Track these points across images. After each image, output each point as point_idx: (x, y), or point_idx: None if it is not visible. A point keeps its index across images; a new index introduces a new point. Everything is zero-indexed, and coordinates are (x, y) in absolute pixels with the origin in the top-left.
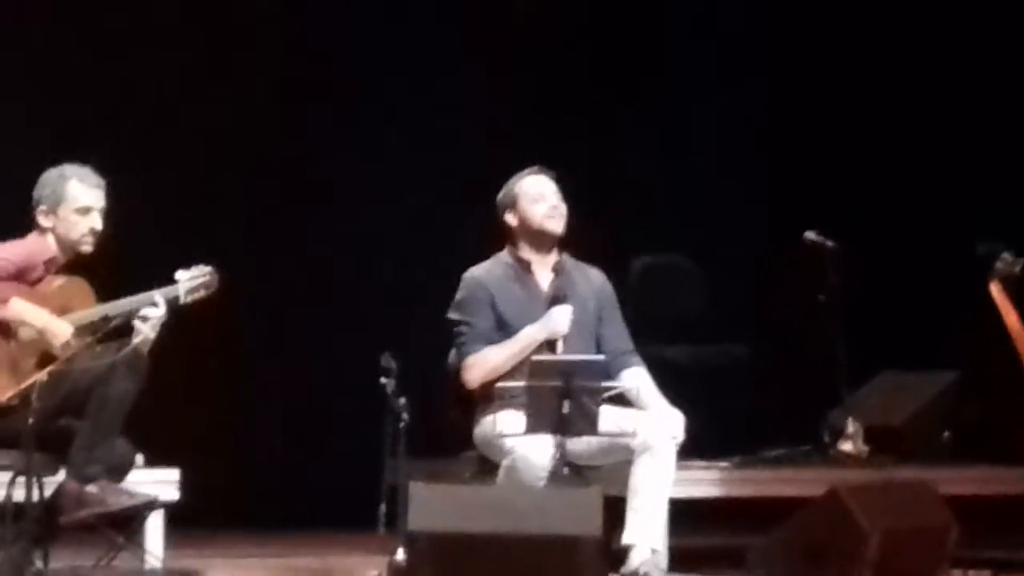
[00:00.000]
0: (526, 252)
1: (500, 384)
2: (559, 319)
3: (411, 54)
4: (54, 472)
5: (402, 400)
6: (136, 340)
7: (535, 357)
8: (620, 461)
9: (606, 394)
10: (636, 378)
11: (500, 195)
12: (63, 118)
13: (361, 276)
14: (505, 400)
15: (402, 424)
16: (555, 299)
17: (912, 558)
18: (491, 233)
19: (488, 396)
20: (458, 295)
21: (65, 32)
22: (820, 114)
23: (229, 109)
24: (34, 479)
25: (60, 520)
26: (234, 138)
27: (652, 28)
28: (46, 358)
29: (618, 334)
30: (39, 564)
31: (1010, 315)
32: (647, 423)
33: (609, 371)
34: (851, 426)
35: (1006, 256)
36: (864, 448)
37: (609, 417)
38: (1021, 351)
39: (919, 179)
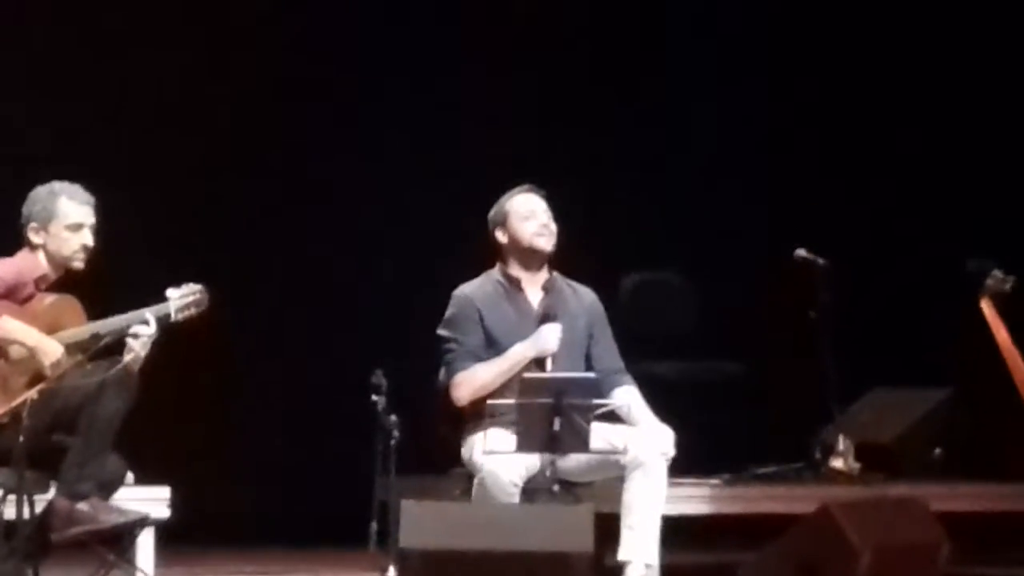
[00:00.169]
0: (516, 270)
1: (491, 401)
2: (548, 337)
3: (411, 54)
4: (45, 490)
5: (392, 417)
6: (127, 358)
7: (526, 375)
8: (611, 478)
9: (597, 411)
10: (627, 396)
11: (491, 213)
12: (63, 118)
13: (361, 277)
14: (495, 418)
15: (393, 441)
16: (544, 317)
17: (904, 575)
18: (485, 246)
19: (478, 413)
20: (448, 312)
21: (65, 32)
22: (820, 122)
23: (229, 109)
24: (25, 497)
25: (51, 537)
26: (234, 138)
27: (652, 28)
28: (36, 376)
29: (609, 352)
30: None
31: (1000, 332)
32: (638, 440)
33: (600, 389)
34: (842, 443)
35: (996, 273)
36: (855, 465)
37: (600, 434)
38: (1012, 368)
39: (910, 195)
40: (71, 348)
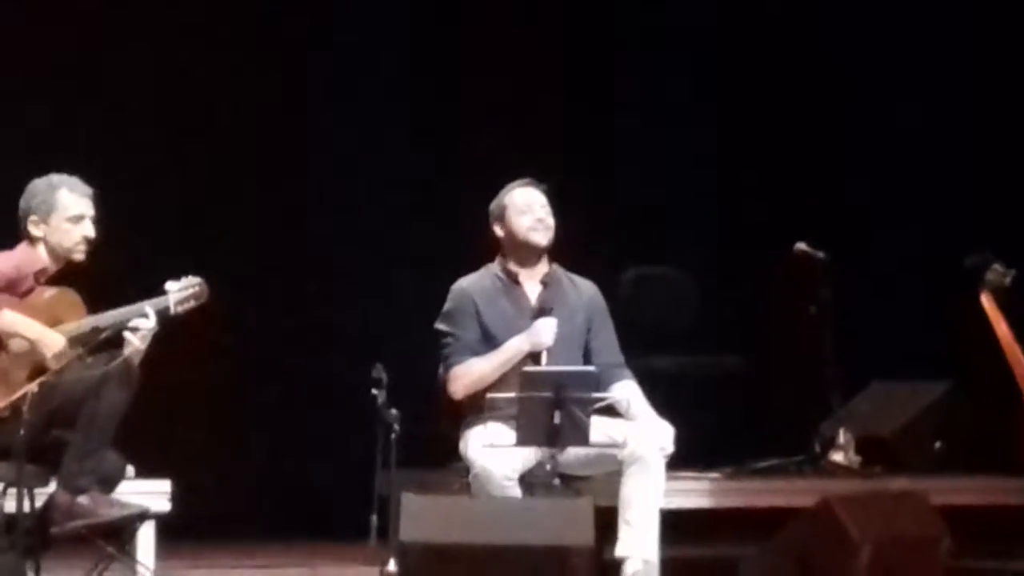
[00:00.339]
0: (513, 264)
1: (491, 395)
2: (543, 331)
3: (411, 54)
4: (45, 483)
5: (393, 411)
6: (127, 351)
7: (526, 368)
8: (610, 472)
9: (596, 405)
10: (626, 390)
11: (491, 206)
12: (63, 118)
13: (361, 270)
14: (495, 411)
15: (393, 435)
16: (541, 311)
17: (904, 568)
18: (484, 240)
19: (476, 408)
20: (445, 306)
21: (65, 31)
22: (819, 115)
23: (229, 109)
24: (25, 490)
25: (51, 531)
26: (234, 131)
27: (651, 26)
28: (37, 370)
29: (608, 346)
30: (30, 575)
31: (1000, 326)
32: (636, 434)
33: (600, 383)
34: (842, 436)
35: (996, 267)
36: (855, 458)
37: (599, 428)
38: (1012, 361)
39: (910, 188)
40: (71, 342)
